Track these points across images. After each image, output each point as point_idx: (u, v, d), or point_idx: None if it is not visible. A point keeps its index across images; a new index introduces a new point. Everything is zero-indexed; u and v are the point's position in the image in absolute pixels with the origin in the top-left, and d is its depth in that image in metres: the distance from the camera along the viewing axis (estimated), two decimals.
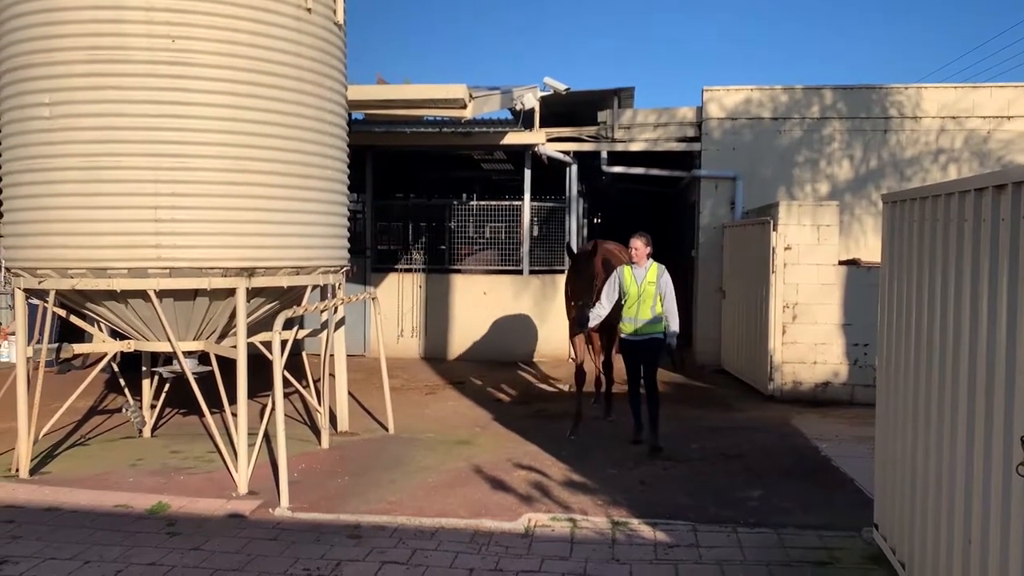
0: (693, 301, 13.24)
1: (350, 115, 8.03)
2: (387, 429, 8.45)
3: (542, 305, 13.26)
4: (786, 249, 10.18)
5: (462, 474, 6.93)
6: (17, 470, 6.78)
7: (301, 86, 6.73)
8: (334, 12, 7.12)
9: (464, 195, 15.29)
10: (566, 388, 11.09)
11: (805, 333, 10.18)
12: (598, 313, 7.74)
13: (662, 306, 7.65)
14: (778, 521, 5.76)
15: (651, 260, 7.73)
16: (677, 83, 58.78)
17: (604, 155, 13.04)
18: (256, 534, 5.50)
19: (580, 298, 7.95)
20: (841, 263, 10.31)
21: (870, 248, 12.19)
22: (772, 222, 10.20)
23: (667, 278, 7.65)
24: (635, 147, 13.11)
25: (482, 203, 14.12)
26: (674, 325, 7.65)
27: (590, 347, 8.97)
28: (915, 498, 4.34)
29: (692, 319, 13.33)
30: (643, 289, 7.61)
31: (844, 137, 12.55)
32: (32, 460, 6.88)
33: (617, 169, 13.24)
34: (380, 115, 11.66)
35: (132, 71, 6.06)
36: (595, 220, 18.54)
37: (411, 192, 18.17)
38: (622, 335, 7.86)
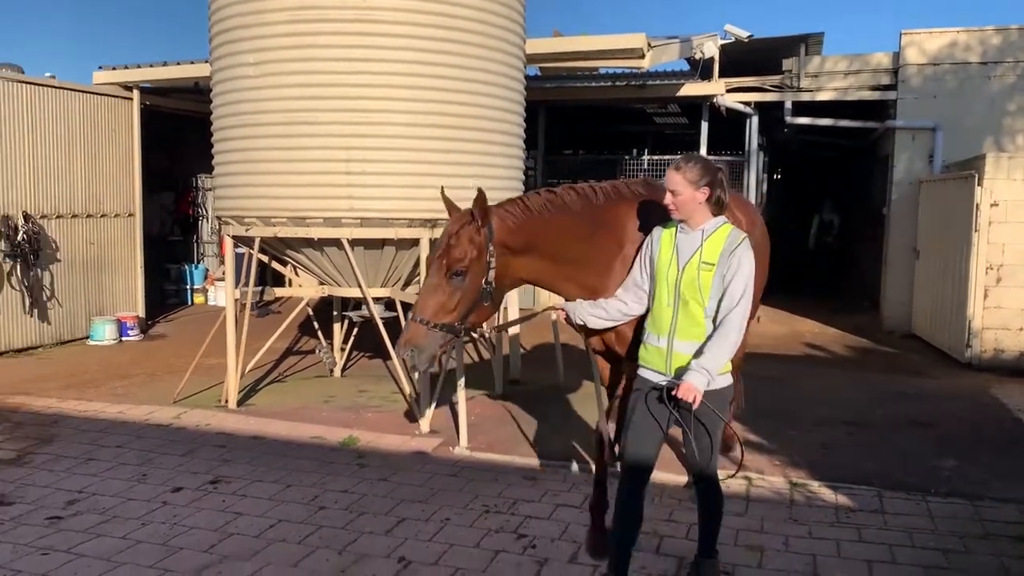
0: (883, 261, 12.45)
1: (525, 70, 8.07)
2: (561, 380, 8.59)
3: None
4: (992, 206, 9.33)
5: None
6: (226, 401, 7.47)
7: (483, 40, 6.84)
8: None
9: (635, 150, 15.07)
10: None
11: (1011, 297, 9.34)
12: (589, 312, 3.91)
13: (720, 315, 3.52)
14: (973, 492, 5.39)
15: (721, 220, 3.62)
16: (867, 29, 54.55)
17: (788, 105, 12.40)
18: (438, 470, 5.80)
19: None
20: None
21: None
22: (977, 176, 9.37)
23: (746, 259, 3.50)
24: (823, 96, 12.37)
25: (654, 157, 13.88)
26: (712, 357, 3.46)
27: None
28: None
29: (881, 281, 12.56)
30: (685, 275, 3.55)
31: None
32: (239, 393, 7.55)
33: (802, 120, 12.57)
34: (555, 68, 11.64)
35: (327, 30, 6.39)
36: (775, 175, 17.78)
37: (579, 148, 18.11)
38: (641, 369, 3.74)
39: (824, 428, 7.02)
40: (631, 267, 3.84)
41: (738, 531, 4.75)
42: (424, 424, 6.73)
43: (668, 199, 3.57)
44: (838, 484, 5.53)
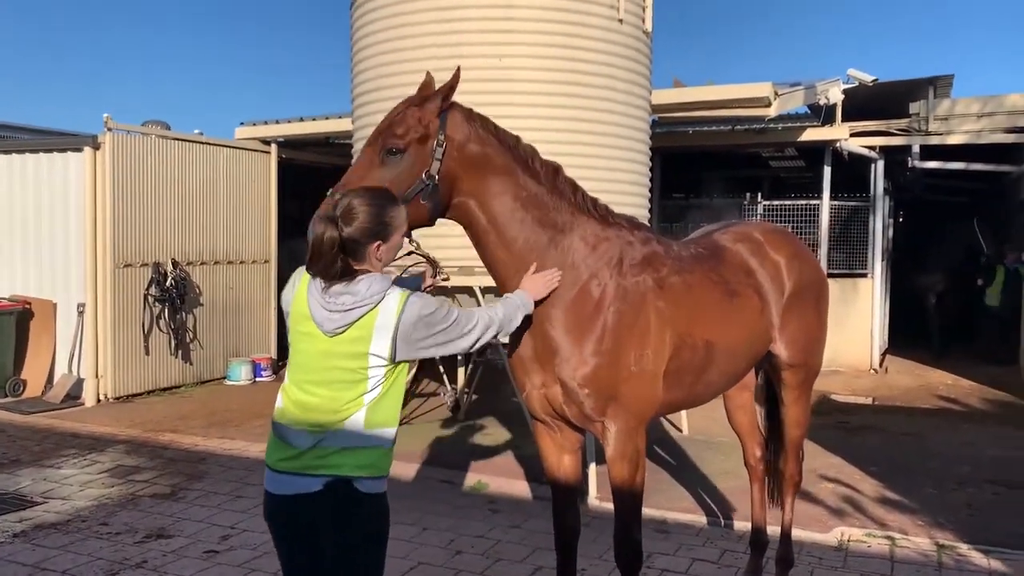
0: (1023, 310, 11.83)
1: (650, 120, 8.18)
2: (681, 430, 8.52)
3: (840, 312, 12.50)
4: None
5: None
6: None
7: (611, 94, 6.99)
8: (643, 20, 7.32)
9: (748, 194, 14.88)
10: (869, 400, 10.46)
11: None
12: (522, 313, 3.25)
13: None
14: None
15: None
16: (997, 70, 52.64)
17: (916, 149, 12.05)
18: None
19: None
20: None
21: None
22: None
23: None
24: (953, 140, 11.96)
25: (774, 202, 13.66)
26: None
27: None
28: None
29: (1022, 332, 11.91)
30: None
31: None
32: None
33: (931, 164, 12.19)
34: (677, 118, 11.71)
35: (464, 89, 6.63)
36: (898, 219, 17.16)
37: (689, 192, 18.02)
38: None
39: (967, 488, 6.72)
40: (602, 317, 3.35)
41: None
42: None
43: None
44: (990, 548, 5.28)
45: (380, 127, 3.16)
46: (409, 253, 3.47)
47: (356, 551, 2.79)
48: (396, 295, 2.77)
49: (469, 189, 3.25)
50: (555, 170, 3.44)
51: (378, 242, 2.78)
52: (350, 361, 2.76)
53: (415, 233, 3.19)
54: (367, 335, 2.73)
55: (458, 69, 3.22)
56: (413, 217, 3.09)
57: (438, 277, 3.40)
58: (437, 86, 3.30)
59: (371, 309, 2.72)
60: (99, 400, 9.81)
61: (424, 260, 3.38)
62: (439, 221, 3.32)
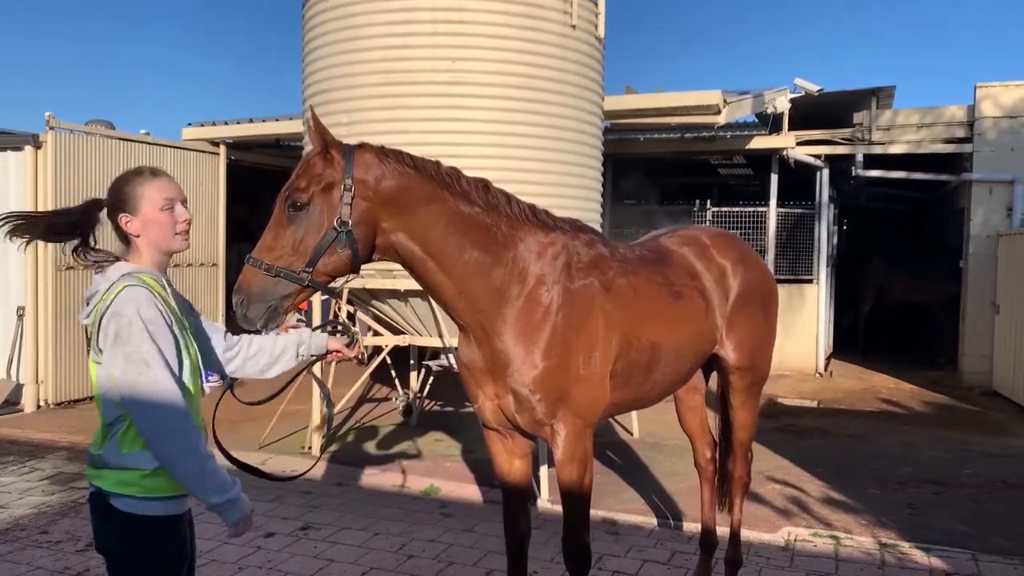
0: (961, 316, 12.20)
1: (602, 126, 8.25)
2: (631, 433, 8.60)
3: (787, 317, 12.75)
4: None
5: None
6: (309, 448, 7.67)
7: (564, 99, 7.04)
8: (595, 27, 7.38)
9: (697, 201, 15.14)
10: (814, 403, 10.68)
11: None
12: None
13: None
14: None
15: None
16: (939, 82, 54.40)
17: (859, 158, 12.37)
18: None
19: None
20: None
21: None
22: None
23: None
24: (895, 150, 12.31)
25: (723, 209, 13.88)
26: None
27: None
28: None
29: (959, 336, 12.28)
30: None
31: None
32: (321, 439, 7.74)
33: (874, 173, 12.51)
34: (629, 124, 11.83)
35: (417, 91, 6.66)
36: (843, 226, 17.56)
37: (642, 199, 18.26)
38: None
39: (908, 488, 6.89)
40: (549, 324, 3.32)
41: None
42: None
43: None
44: (930, 546, 5.43)
45: (287, 182, 3.09)
46: (331, 323, 3.48)
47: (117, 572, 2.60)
48: (119, 285, 2.50)
49: (395, 226, 3.12)
50: (484, 185, 3.34)
51: (124, 214, 2.59)
52: (93, 361, 2.56)
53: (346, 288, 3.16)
54: (94, 330, 2.54)
55: (311, 110, 3.07)
56: (334, 268, 3.04)
57: (354, 351, 3.30)
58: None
59: (101, 297, 2.53)
60: (39, 406, 9.54)
61: (342, 329, 3.32)
62: None
